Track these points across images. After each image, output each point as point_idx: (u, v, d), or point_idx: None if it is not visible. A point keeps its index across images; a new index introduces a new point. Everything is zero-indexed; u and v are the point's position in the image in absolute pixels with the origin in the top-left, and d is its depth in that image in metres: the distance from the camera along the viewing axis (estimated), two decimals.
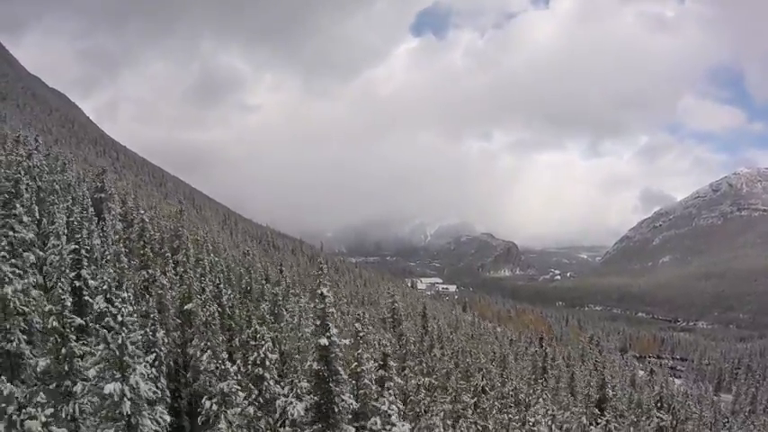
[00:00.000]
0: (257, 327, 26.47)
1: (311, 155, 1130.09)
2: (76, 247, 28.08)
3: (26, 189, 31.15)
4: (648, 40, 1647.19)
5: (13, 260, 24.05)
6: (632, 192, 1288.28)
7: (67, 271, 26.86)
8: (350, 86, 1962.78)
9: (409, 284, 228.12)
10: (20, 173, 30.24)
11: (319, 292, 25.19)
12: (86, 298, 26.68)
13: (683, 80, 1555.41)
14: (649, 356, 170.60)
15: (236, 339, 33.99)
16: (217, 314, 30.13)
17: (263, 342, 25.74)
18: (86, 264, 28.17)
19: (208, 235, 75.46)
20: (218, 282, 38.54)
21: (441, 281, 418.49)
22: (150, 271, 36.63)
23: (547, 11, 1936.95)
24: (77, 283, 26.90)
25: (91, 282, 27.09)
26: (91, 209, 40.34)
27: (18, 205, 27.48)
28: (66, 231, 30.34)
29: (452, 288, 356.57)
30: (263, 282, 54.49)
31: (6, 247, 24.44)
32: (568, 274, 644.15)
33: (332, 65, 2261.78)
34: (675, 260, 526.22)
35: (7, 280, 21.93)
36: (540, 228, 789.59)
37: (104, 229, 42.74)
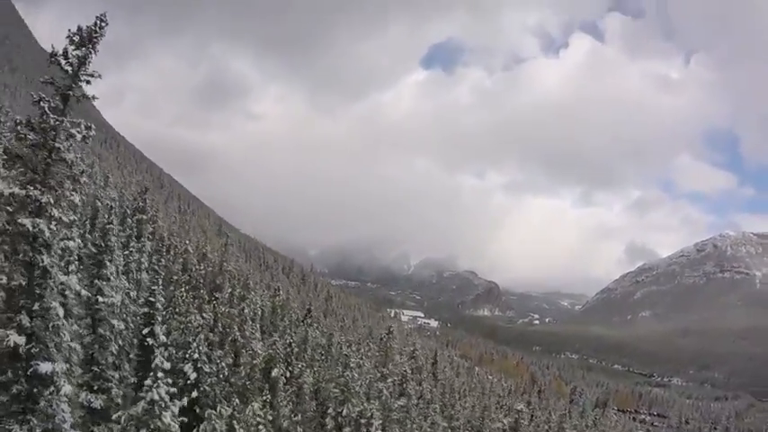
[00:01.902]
0: (365, 405, 24.48)
1: (306, 169, 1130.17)
2: (150, 299, 26.65)
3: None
4: (651, 98, 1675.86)
5: None
6: (618, 244, 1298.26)
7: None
8: (355, 107, 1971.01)
9: (392, 315, 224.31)
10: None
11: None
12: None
13: (681, 139, 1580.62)
14: (628, 411, 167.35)
15: (331, 410, 31.29)
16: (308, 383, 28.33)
17: (372, 420, 23.83)
18: (159, 320, 26.38)
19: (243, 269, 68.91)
20: (290, 341, 35.82)
21: (422, 314, 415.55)
22: (230, 330, 33.97)
23: (556, 59, 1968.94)
24: (149, 341, 25.27)
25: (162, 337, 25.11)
26: (149, 246, 37.34)
27: (107, 262, 25.11)
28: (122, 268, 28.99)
29: (434, 323, 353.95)
30: (306, 327, 50.23)
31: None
32: (547, 320, 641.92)
33: (340, 83, 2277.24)
34: (656, 315, 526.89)
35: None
36: (524, 271, 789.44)
37: (150, 258, 39.14)
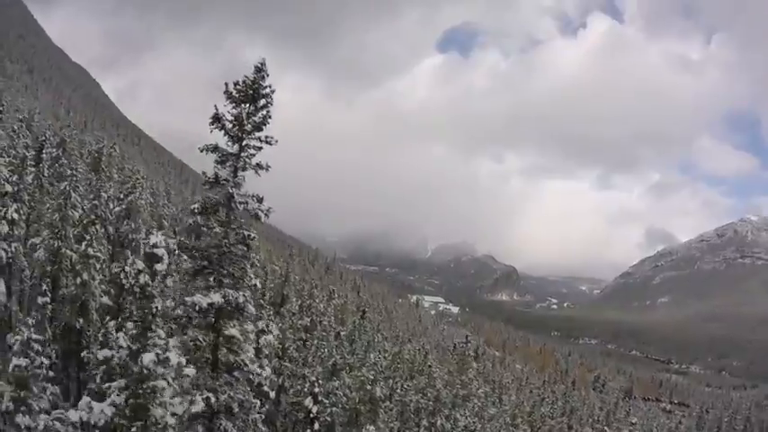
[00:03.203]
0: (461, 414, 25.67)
1: (324, 158, 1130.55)
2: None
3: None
4: (671, 79, 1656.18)
5: None
6: (638, 228, 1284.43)
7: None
8: (371, 95, 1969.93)
9: (414, 301, 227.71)
10: None
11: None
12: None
13: (701, 121, 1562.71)
14: (649, 399, 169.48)
15: (424, 421, 32.61)
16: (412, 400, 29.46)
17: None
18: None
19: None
20: (382, 356, 37.27)
21: (442, 300, 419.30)
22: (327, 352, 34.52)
23: (574, 40, 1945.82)
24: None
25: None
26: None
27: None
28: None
29: (455, 309, 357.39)
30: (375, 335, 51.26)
31: None
32: (566, 304, 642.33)
33: (355, 72, 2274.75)
34: (674, 301, 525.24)
35: None
36: (542, 255, 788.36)
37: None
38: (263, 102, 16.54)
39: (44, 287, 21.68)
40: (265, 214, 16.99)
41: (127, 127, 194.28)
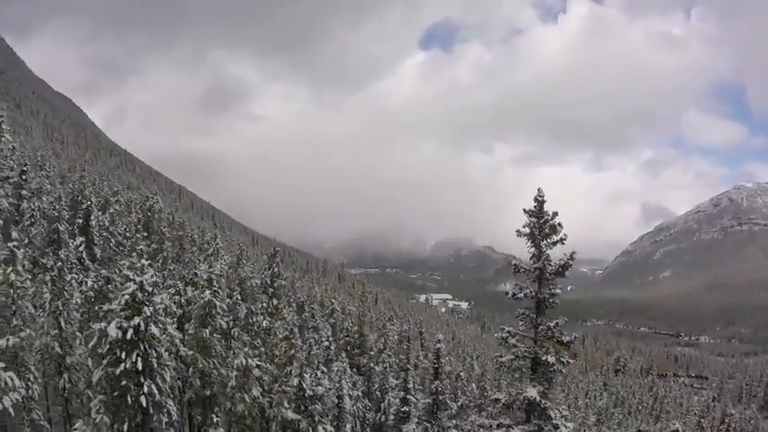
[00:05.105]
0: None
1: (315, 164, 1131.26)
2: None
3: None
4: (654, 56, 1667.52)
5: None
6: (634, 205, 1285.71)
7: None
8: (357, 98, 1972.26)
9: (423, 300, 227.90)
10: None
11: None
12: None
13: (687, 95, 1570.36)
14: (667, 375, 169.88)
15: None
16: None
17: None
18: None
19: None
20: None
21: (450, 296, 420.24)
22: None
23: (555, 26, 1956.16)
24: None
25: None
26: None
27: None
28: None
29: (464, 305, 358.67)
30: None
31: None
32: (569, 288, 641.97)
33: (341, 75, 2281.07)
34: (677, 274, 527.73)
35: None
36: None
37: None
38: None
39: None
40: None
41: (120, 154, 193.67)
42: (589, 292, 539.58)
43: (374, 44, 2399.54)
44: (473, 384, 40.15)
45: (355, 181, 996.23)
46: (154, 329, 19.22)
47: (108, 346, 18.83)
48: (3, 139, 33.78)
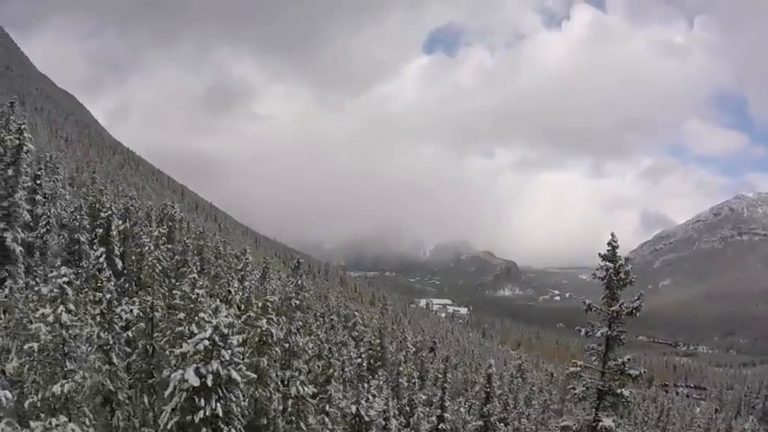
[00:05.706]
0: None
1: (316, 166, 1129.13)
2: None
3: None
4: (656, 65, 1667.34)
5: None
6: (633, 213, 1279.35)
7: None
8: (359, 100, 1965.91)
9: (423, 305, 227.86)
10: None
11: None
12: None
13: (689, 104, 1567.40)
14: (667, 385, 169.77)
15: None
16: None
17: None
18: None
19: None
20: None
21: (449, 301, 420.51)
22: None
23: (559, 32, 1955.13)
24: None
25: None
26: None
27: None
28: None
29: (463, 310, 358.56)
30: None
31: None
32: (568, 295, 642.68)
33: (343, 77, 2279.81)
34: (676, 283, 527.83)
35: None
36: (540, 247, 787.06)
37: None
38: None
39: None
40: None
41: (123, 153, 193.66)
42: (588, 299, 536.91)
43: (377, 47, 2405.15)
44: (495, 401, 40.39)
45: (356, 183, 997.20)
46: (234, 374, 18.38)
47: (185, 394, 17.93)
48: (25, 148, 32.10)
